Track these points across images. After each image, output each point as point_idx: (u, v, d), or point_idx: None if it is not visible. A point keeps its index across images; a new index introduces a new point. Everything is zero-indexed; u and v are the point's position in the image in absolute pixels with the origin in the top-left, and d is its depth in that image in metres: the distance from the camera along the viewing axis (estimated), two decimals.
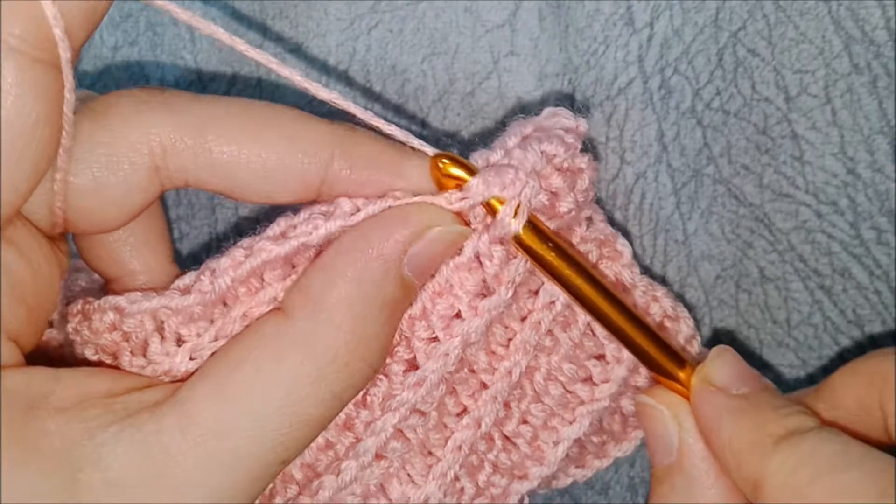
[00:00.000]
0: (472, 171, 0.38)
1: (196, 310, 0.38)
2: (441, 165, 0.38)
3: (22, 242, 0.36)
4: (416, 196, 0.38)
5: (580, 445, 0.46)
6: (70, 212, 0.37)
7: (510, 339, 0.42)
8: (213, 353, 0.38)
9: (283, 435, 0.35)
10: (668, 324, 0.44)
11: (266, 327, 0.37)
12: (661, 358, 0.41)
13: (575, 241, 0.43)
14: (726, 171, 0.48)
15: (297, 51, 0.50)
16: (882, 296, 0.47)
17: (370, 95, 0.50)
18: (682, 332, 0.44)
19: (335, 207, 0.38)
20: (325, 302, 0.36)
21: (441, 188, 0.39)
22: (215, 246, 0.52)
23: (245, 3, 0.50)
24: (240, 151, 0.37)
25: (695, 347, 0.45)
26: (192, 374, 0.37)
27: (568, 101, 0.48)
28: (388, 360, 0.40)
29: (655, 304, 0.44)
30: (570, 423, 0.44)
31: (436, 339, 0.39)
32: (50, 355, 0.41)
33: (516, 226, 0.39)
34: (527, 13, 0.48)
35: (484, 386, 0.42)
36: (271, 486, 0.41)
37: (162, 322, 0.39)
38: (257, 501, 0.40)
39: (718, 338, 0.50)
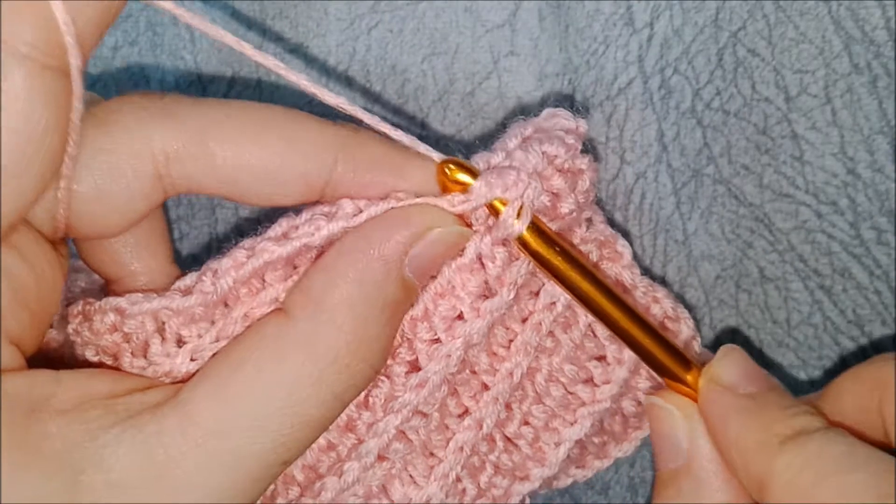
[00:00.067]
0: (477, 176, 0.39)
1: (197, 311, 0.38)
2: (448, 171, 0.38)
3: (26, 247, 0.36)
4: (418, 198, 0.38)
5: (581, 446, 0.46)
6: (72, 218, 0.37)
7: (511, 341, 0.42)
8: (214, 354, 0.38)
9: (284, 436, 0.35)
10: (668, 325, 0.45)
11: (267, 328, 0.37)
12: (666, 360, 0.41)
13: (575, 242, 0.43)
14: (726, 171, 0.48)
15: (296, 51, 0.50)
16: (882, 296, 0.47)
17: (370, 96, 0.50)
18: (683, 332, 0.44)
19: (337, 208, 0.38)
20: (326, 303, 0.36)
21: (447, 193, 0.39)
22: (215, 246, 0.52)
23: (245, 3, 0.50)
24: (243, 157, 0.37)
25: (695, 348, 0.45)
26: (193, 374, 0.37)
27: (568, 101, 0.48)
28: (390, 362, 0.40)
29: (656, 305, 0.44)
30: (572, 424, 0.44)
31: (438, 340, 0.39)
32: (50, 356, 0.41)
33: (520, 227, 0.39)
34: (527, 13, 0.48)
35: (485, 387, 0.42)
36: (273, 487, 0.41)
37: (163, 323, 0.39)
38: (259, 502, 0.40)
39: (723, 337, 0.50)
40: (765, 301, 0.49)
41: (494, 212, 0.39)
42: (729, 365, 0.40)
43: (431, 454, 0.42)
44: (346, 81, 0.50)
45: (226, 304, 0.39)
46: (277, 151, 0.37)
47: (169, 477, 0.34)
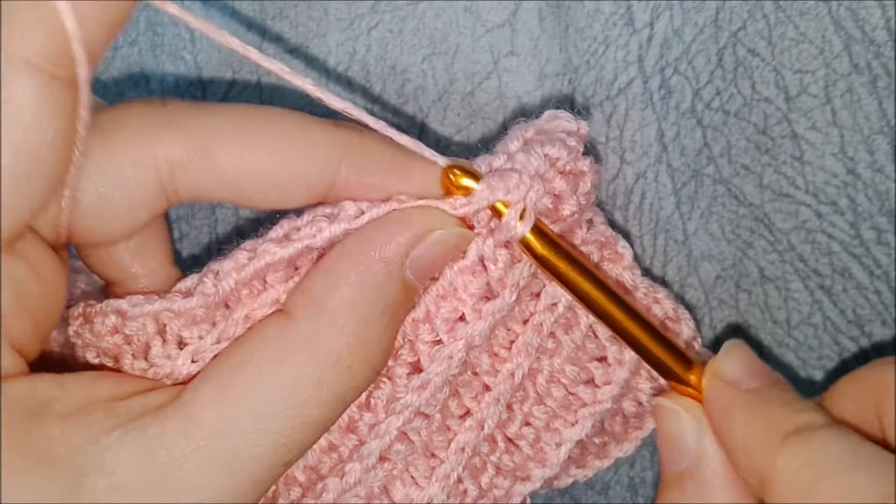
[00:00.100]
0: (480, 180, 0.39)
1: (198, 312, 0.38)
2: (452, 177, 0.38)
3: (31, 254, 0.36)
4: (420, 200, 0.38)
5: (582, 446, 0.46)
6: (74, 225, 0.37)
7: (513, 342, 0.42)
8: (215, 356, 0.38)
9: (286, 437, 0.35)
10: (669, 325, 0.45)
11: (269, 329, 0.37)
12: (668, 360, 0.41)
13: (576, 243, 0.43)
14: (726, 171, 0.48)
15: (296, 51, 0.50)
16: (882, 296, 0.47)
17: (370, 96, 0.50)
18: (684, 333, 0.45)
19: (339, 210, 0.38)
20: (327, 304, 0.36)
21: (450, 196, 0.39)
22: (215, 247, 0.52)
23: (245, 3, 0.49)
24: (247, 164, 0.37)
25: (695, 349, 0.45)
26: (195, 376, 0.37)
27: (568, 102, 0.48)
28: (391, 363, 0.40)
29: (657, 306, 0.45)
30: (573, 424, 0.44)
31: (439, 342, 0.39)
32: (50, 357, 0.41)
33: (522, 229, 0.39)
34: (527, 13, 0.48)
35: (487, 388, 0.42)
36: (274, 488, 0.41)
37: (164, 325, 0.39)
38: (260, 503, 0.40)
39: (724, 336, 0.49)
40: (765, 301, 0.49)
41: (497, 214, 0.39)
42: (732, 360, 0.40)
43: (433, 455, 0.42)
44: (346, 82, 0.50)
45: (227, 306, 0.39)
46: (282, 157, 0.37)
47: (171, 478, 0.34)
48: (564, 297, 0.42)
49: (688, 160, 0.48)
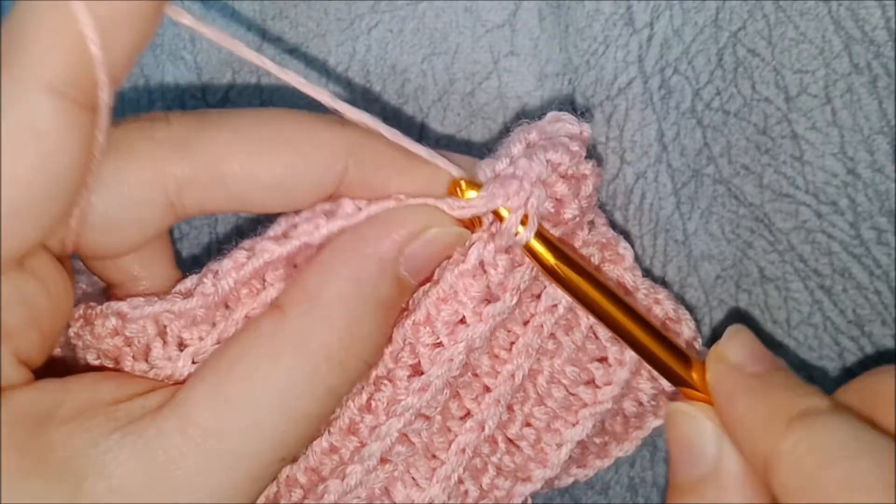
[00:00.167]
0: None
1: (198, 313, 0.38)
2: (459, 191, 0.38)
3: (40, 270, 0.36)
4: (418, 198, 0.38)
5: (582, 446, 0.46)
6: (82, 240, 0.37)
7: (513, 343, 0.42)
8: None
9: (282, 433, 0.36)
10: (669, 326, 0.45)
11: (263, 325, 0.37)
12: (670, 361, 0.41)
13: (577, 244, 0.43)
14: (726, 171, 0.48)
15: (296, 51, 0.50)
16: (882, 296, 0.47)
17: (370, 96, 0.50)
18: (684, 333, 0.45)
19: (337, 207, 0.38)
20: (320, 299, 0.36)
21: None
22: (215, 247, 0.52)
23: (245, 3, 0.49)
24: (254, 174, 0.37)
25: (696, 349, 0.45)
26: None
27: (568, 102, 0.48)
28: (392, 365, 0.40)
29: (657, 307, 0.45)
30: (573, 425, 0.44)
31: (440, 344, 0.39)
32: (50, 358, 0.41)
33: (523, 235, 0.39)
34: (527, 13, 0.48)
35: (487, 389, 0.42)
36: (275, 489, 0.41)
37: (164, 326, 0.39)
38: (259, 503, 0.41)
39: (728, 322, 0.49)
40: (765, 301, 0.49)
41: (499, 218, 0.39)
42: (736, 345, 0.40)
43: (434, 456, 0.42)
44: (346, 82, 0.50)
45: (227, 306, 0.39)
46: (289, 164, 0.37)
47: (169, 478, 0.34)
48: (565, 298, 0.42)
49: (688, 160, 0.48)
